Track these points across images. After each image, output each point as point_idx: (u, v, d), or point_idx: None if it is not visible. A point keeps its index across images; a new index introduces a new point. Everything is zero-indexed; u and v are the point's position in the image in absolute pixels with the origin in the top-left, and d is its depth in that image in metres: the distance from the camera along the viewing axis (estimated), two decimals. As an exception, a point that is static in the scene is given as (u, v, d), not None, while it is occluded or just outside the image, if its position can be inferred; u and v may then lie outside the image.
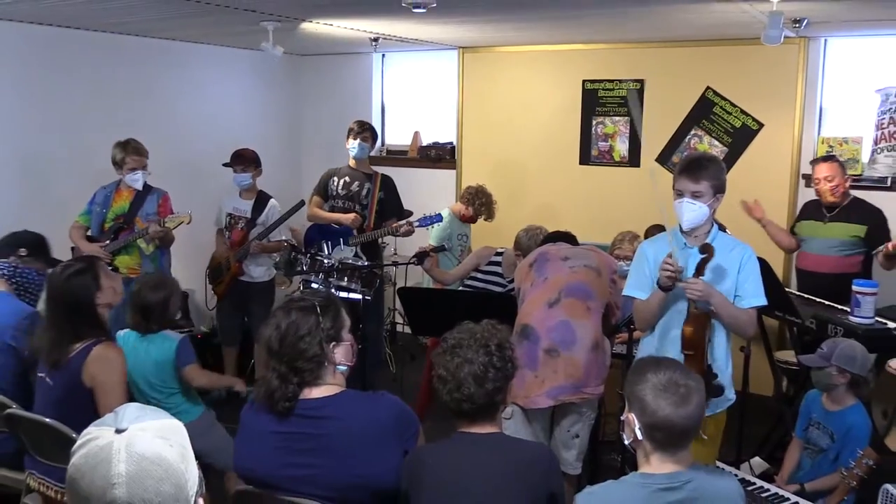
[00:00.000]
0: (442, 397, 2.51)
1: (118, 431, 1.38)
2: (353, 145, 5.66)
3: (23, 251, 3.78)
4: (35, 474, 3.32)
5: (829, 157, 5.16)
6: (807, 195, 5.96)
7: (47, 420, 3.11)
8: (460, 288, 4.84)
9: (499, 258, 4.71)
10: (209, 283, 5.89)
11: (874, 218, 4.93)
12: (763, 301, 3.28)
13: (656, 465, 2.22)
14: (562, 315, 3.70)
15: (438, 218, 4.84)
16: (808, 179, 5.96)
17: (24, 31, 5.39)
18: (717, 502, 2.20)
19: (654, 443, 2.22)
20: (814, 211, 5.15)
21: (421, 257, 4.76)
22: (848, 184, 5.03)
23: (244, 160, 5.68)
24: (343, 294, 4.79)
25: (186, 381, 3.76)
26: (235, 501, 2.63)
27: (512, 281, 4.55)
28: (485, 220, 6.24)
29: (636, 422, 2.23)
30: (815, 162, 5.28)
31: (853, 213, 4.96)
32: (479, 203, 6.13)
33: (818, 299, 4.77)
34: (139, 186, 5.13)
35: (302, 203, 5.76)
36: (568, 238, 4.21)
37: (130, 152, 5.04)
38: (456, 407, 2.48)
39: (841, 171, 5.00)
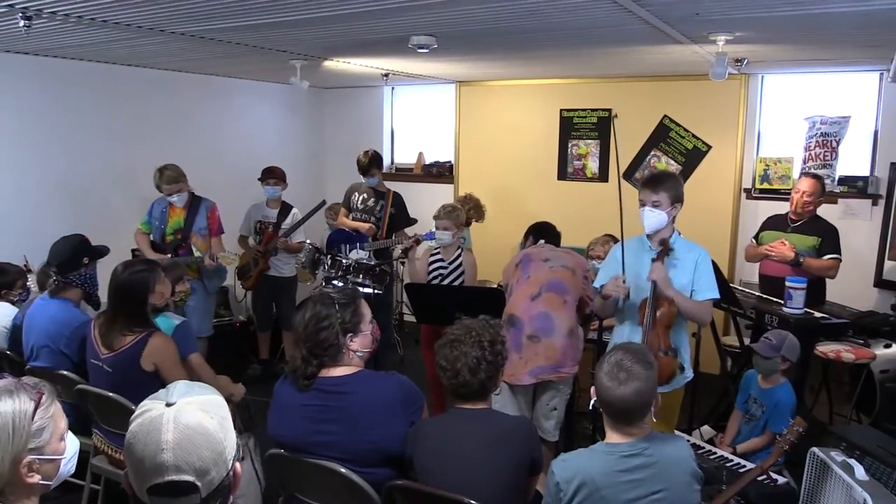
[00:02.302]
0: (442, 380, 2.54)
1: (168, 405, 1.40)
2: (363, 182, 5.73)
3: (85, 260, 3.79)
4: (101, 436, 3.34)
5: (815, 176, 4.88)
6: (748, 206, 5.99)
7: (111, 394, 3.13)
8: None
9: (437, 250, 4.68)
10: (238, 279, 5.92)
11: (826, 231, 4.66)
12: (715, 294, 3.30)
13: (619, 437, 2.23)
14: (542, 307, 3.72)
15: (430, 236, 4.87)
16: (749, 193, 5.99)
17: (85, 69, 5.40)
18: (671, 464, 2.22)
19: (607, 415, 2.24)
20: (778, 222, 4.89)
21: (405, 251, 4.81)
22: (819, 204, 4.74)
23: (276, 175, 5.74)
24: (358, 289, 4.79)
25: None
26: (269, 462, 2.64)
27: (452, 262, 4.57)
28: (475, 221, 6.23)
29: (594, 395, 2.28)
30: (802, 174, 5.12)
31: (811, 227, 4.70)
32: (468, 208, 6.12)
33: (757, 293, 4.78)
34: (180, 205, 5.09)
35: (323, 203, 5.86)
36: (547, 229, 4.23)
37: (164, 181, 4.97)
38: (454, 391, 2.51)
39: (818, 191, 4.69)
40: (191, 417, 1.39)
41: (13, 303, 4.22)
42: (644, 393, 2.18)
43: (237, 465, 1.46)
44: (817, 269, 4.53)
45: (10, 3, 3.21)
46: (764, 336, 3.83)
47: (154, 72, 5.86)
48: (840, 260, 4.60)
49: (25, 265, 4.50)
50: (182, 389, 1.46)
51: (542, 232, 4.32)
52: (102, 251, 3.94)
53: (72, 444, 1.73)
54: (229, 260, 5.09)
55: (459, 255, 4.60)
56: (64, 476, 1.72)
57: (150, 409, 1.41)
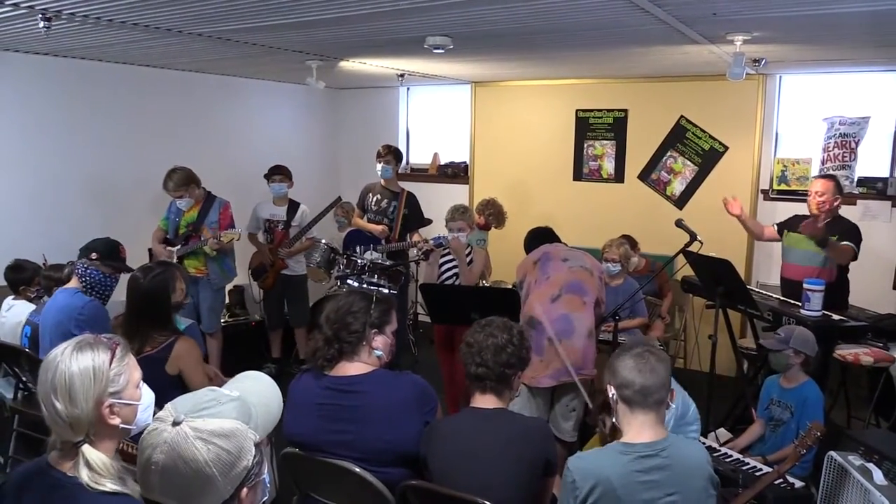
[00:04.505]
0: (464, 361, 2.55)
1: (175, 423, 1.38)
2: (378, 168, 5.74)
3: (94, 255, 3.82)
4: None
5: (827, 176, 4.80)
6: (765, 207, 5.95)
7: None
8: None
9: (446, 251, 4.70)
10: (253, 279, 5.93)
11: (844, 229, 4.58)
12: None
13: (635, 433, 2.22)
14: (562, 309, 3.71)
15: (447, 239, 4.87)
16: (766, 194, 5.95)
17: (104, 70, 5.44)
18: (688, 467, 2.20)
19: (624, 400, 2.24)
20: (800, 224, 4.73)
21: (427, 254, 4.82)
22: (837, 203, 4.64)
23: (282, 172, 5.76)
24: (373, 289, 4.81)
25: None
26: (284, 462, 2.65)
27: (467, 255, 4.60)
28: (495, 227, 6.23)
29: (611, 388, 2.28)
30: (814, 177, 5.04)
31: (832, 228, 4.57)
32: (488, 213, 6.11)
33: (774, 295, 4.74)
34: (184, 208, 5.17)
35: (339, 199, 5.92)
36: (546, 234, 4.22)
37: (170, 189, 5.07)
38: (474, 370, 2.52)
39: (833, 190, 4.60)
40: (185, 446, 1.36)
41: (30, 300, 4.27)
42: (663, 373, 2.22)
43: (244, 490, 1.42)
44: (838, 253, 4.48)
45: (30, 4, 3.24)
46: (775, 332, 3.81)
47: (172, 72, 5.90)
48: (854, 248, 4.52)
49: (44, 263, 4.54)
50: (202, 403, 1.43)
51: (542, 239, 4.23)
52: (120, 263, 3.93)
53: (147, 393, 1.93)
54: (230, 237, 5.12)
55: (470, 253, 4.63)
56: (142, 423, 1.87)
57: (161, 421, 1.41)
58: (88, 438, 1.74)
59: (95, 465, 1.71)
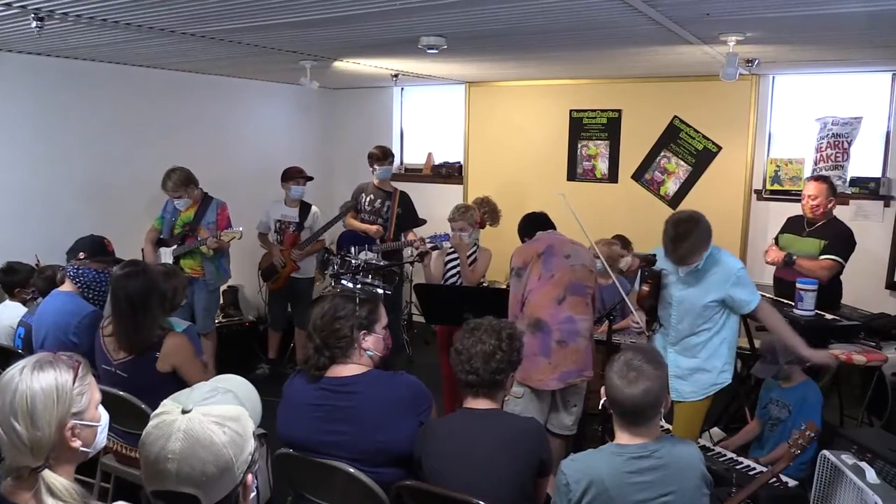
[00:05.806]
0: (454, 367, 2.53)
1: (184, 412, 1.38)
2: (377, 171, 5.72)
3: (81, 255, 3.82)
4: (112, 435, 3.32)
5: (819, 178, 4.77)
6: (758, 207, 5.96)
7: (122, 393, 3.12)
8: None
9: (452, 249, 4.75)
10: (263, 280, 5.89)
11: (835, 232, 4.56)
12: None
13: (628, 439, 2.22)
14: (567, 311, 3.73)
15: (445, 237, 4.87)
16: (759, 194, 5.96)
17: (98, 70, 5.42)
18: (681, 467, 2.20)
19: (616, 415, 2.23)
20: (795, 225, 4.79)
21: (422, 255, 4.82)
22: (832, 205, 4.63)
23: (304, 175, 5.76)
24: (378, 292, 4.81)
25: None
26: (278, 462, 2.64)
27: (468, 259, 4.59)
28: (490, 225, 6.23)
29: (604, 395, 2.27)
30: (807, 179, 5.04)
31: (825, 230, 4.55)
32: (483, 211, 6.11)
33: (767, 295, 4.74)
34: (183, 208, 5.16)
35: (354, 204, 5.88)
36: (544, 219, 4.20)
37: (169, 188, 5.05)
38: (464, 377, 2.50)
39: (826, 192, 4.57)
40: (201, 431, 1.36)
41: (24, 302, 4.25)
42: (653, 392, 2.16)
43: (248, 476, 1.43)
44: (808, 270, 4.45)
45: (22, 3, 3.23)
46: (758, 358, 3.80)
47: (165, 72, 5.88)
48: (839, 262, 4.49)
49: (37, 264, 4.52)
50: (203, 394, 1.44)
51: (538, 225, 4.17)
52: (109, 257, 3.94)
53: (104, 414, 1.83)
54: (232, 235, 5.11)
55: (474, 252, 4.63)
56: (99, 445, 1.80)
57: (167, 413, 1.40)
58: (48, 463, 1.63)
59: (59, 491, 1.61)
